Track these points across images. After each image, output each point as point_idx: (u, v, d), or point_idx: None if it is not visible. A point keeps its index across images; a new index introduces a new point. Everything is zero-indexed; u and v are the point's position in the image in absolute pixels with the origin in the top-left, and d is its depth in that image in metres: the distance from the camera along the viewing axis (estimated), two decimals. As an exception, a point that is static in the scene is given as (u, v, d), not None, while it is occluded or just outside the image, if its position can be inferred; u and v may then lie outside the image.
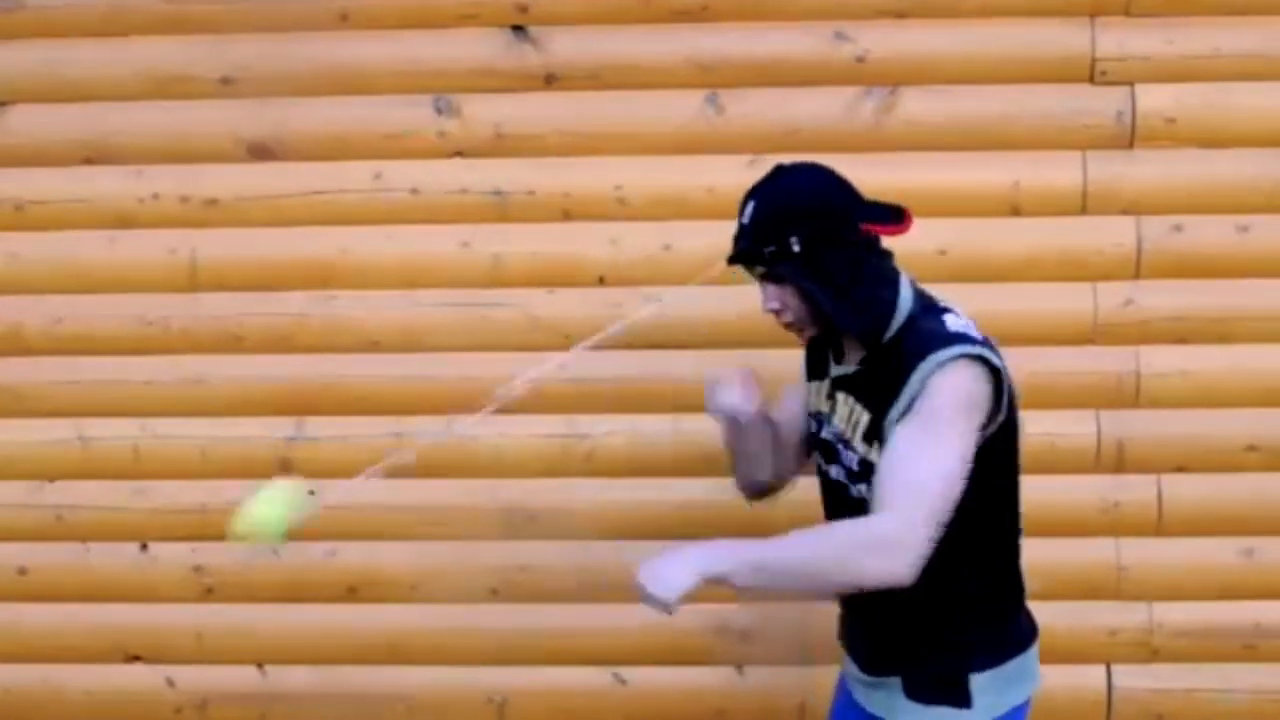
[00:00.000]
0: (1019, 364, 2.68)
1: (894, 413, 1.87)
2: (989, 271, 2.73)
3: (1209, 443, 2.74)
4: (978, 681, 1.94)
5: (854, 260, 1.92)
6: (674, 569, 1.81)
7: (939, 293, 2.06)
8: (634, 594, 2.78)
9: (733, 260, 1.99)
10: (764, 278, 1.97)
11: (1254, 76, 2.68)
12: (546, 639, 2.84)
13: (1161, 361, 2.73)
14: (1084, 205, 2.72)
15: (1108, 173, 2.71)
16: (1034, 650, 2.03)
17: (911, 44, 2.71)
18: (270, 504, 1.98)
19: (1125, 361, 2.73)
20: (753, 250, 1.94)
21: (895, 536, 1.78)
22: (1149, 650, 2.77)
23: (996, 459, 1.93)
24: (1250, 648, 2.76)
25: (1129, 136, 2.70)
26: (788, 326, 2.01)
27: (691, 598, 1.80)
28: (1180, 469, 2.75)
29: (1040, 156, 2.71)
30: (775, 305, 1.97)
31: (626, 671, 2.84)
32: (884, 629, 2.01)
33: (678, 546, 1.84)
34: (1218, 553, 2.76)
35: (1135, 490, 2.75)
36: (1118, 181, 2.71)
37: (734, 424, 2.12)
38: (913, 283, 2.00)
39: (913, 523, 1.78)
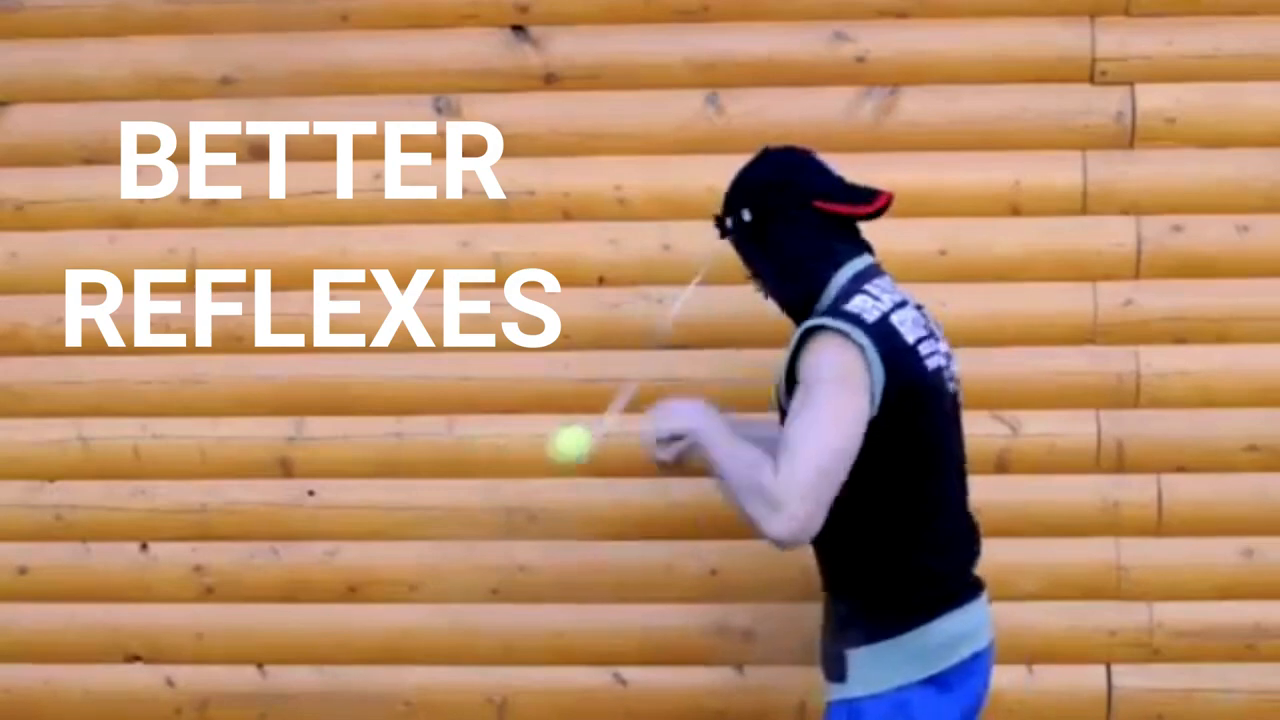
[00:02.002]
0: (1019, 364, 2.72)
1: (785, 380, 2.00)
2: (989, 271, 2.73)
3: (1209, 443, 2.74)
4: (853, 657, 2.01)
5: (797, 235, 2.05)
6: (669, 415, 2.05)
7: (926, 293, 2.08)
8: (634, 594, 2.81)
9: (718, 230, 2.15)
10: (735, 247, 2.14)
11: (1254, 76, 2.68)
12: (546, 639, 2.84)
13: (1161, 361, 2.73)
14: (1084, 205, 2.72)
15: (1108, 173, 2.71)
16: (937, 626, 2.01)
17: (911, 44, 2.71)
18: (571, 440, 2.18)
19: (1125, 361, 2.73)
20: (718, 222, 2.14)
21: (774, 497, 1.86)
22: (1149, 650, 2.77)
23: (881, 443, 1.93)
24: (1250, 648, 2.76)
25: (1129, 136, 2.70)
26: (764, 295, 2.16)
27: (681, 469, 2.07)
28: (1180, 469, 2.75)
29: (1040, 156, 2.71)
30: (748, 272, 2.14)
31: (626, 671, 2.84)
32: (825, 602, 2.12)
33: (685, 399, 2.07)
34: (1218, 553, 2.76)
35: (1135, 490, 2.75)
36: (1118, 181, 2.71)
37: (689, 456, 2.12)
38: (863, 272, 2.05)
39: (788, 485, 1.86)
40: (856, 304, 1.98)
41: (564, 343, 2.78)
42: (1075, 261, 2.72)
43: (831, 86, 2.72)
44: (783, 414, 2.01)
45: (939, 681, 2.00)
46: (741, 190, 2.11)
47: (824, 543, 2.01)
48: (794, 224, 2.05)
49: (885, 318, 1.97)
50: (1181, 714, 2.78)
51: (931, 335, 2.06)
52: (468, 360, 2.80)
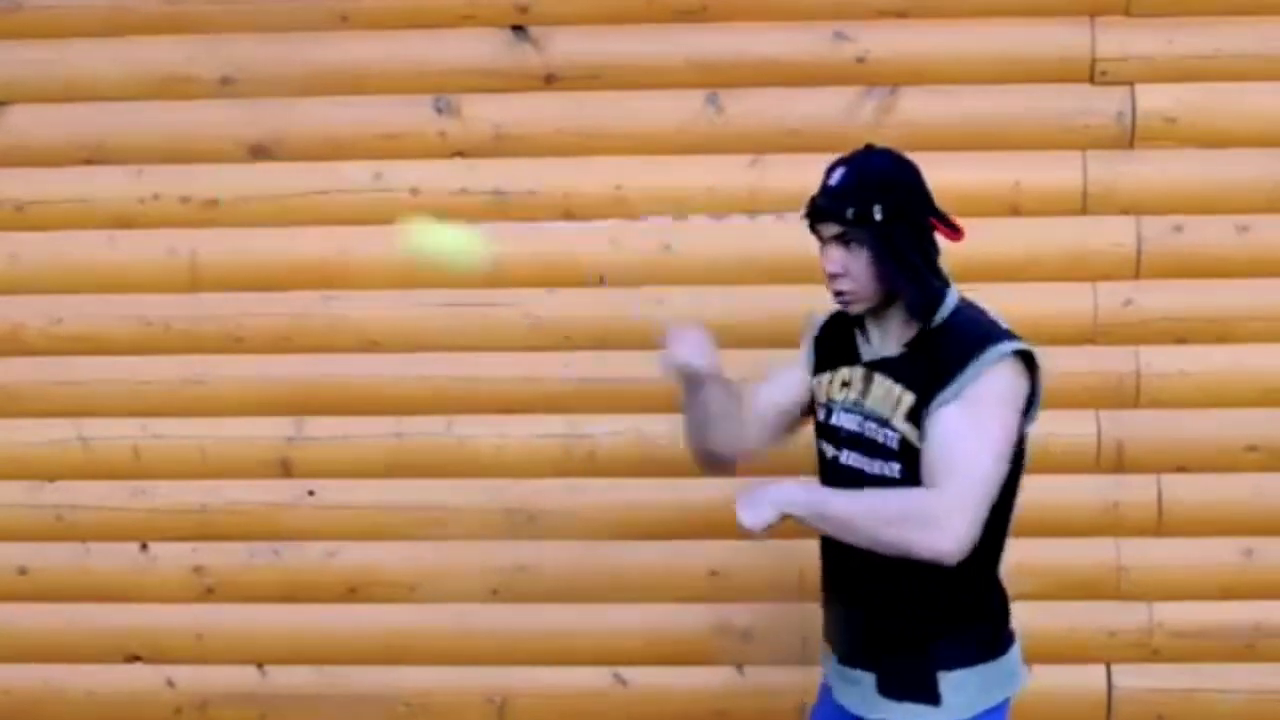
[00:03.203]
0: (1019, 364, 2.71)
1: (943, 395, 1.92)
2: (989, 271, 2.71)
3: (1209, 443, 2.74)
4: (947, 680, 1.97)
5: (922, 242, 2.01)
6: (759, 504, 1.94)
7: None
8: (634, 594, 2.81)
9: (812, 215, 2.03)
10: (835, 239, 2.00)
11: (1254, 76, 2.68)
12: (546, 639, 2.84)
13: (1161, 362, 2.73)
14: (1084, 205, 2.72)
15: (1108, 173, 2.71)
16: (1013, 654, 2.04)
17: (911, 44, 2.71)
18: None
19: (1125, 361, 2.73)
20: (835, 210, 1.99)
21: (943, 513, 1.85)
22: (1149, 650, 2.77)
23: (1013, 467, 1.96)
24: (1250, 648, 2.76)
25: (1129, 136, 2.70)
26: (839, 295, 2.04)
27: (773, 531, 1.95)
28: (1180, 469, 2.75)
29: (1040, 156, 2.72)
30: (837, 269, 2.00)
31: (626, 671, 2.84)
32: (862, 622, 2.05)
33: (766, 483, 1.97)
34: (1218, 553, 2.76)
35: (1135, 490, 2.75)
36: (1118, 181, 2.71)
37: (688, 382, 2.13)
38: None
39: (960, 502, 1.85)
40: (1002, 323, 1.99)
41: (564, 343, 2.78)
42: (1075, 261, 2.72)
43: (831, 86, 2.72)
44: (917, 418, 1.94)
45: (1003, 709, 2.01)
46: (872, 186, 1.98)
47: (921, 566, 1.90)
48: (920, 231, 2.00)
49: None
50: (1181, 714, 2.78)
51: None
52: (468, 360, 2.80)
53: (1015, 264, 2.73)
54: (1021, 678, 2.05)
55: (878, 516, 1.90)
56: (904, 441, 1.95)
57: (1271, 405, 2.73)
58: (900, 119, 2.71)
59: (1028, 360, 1.95)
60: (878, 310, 2.03)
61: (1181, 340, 2.73)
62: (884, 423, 1.98)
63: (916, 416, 1.94)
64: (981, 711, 1.98)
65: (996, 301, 2.68)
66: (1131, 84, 2.70)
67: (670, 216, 2.70)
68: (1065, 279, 2.73)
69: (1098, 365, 2.74)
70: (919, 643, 1.99)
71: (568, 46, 2.74)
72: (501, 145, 2.77)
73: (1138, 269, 2.72)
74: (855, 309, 2.04)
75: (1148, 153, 2.71)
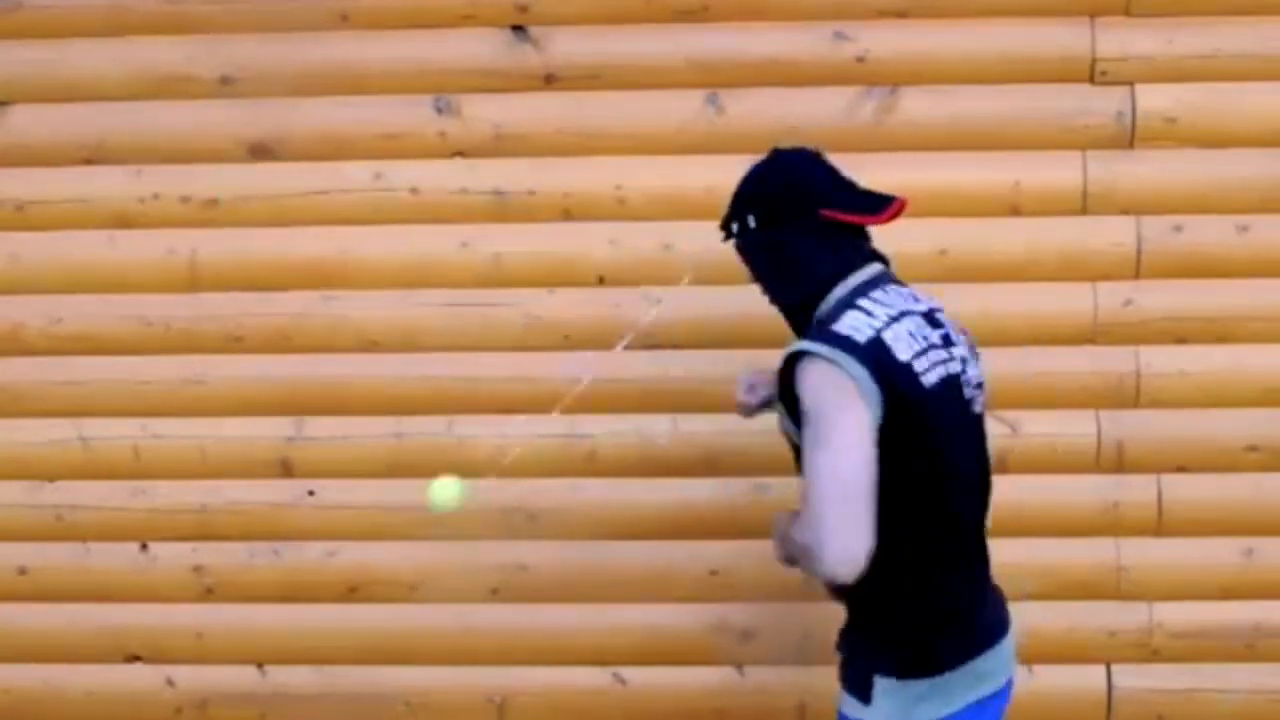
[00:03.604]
0: (1019, 364, 2.72)
1: (775, 395, 2.01)
2: (989, 271, 2.73)
3: (1209, 443, 2.74)
4: (881, 684, 1.97)
5: (802, 243, 2.00)
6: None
7: (929, 293, 2.05)
8: (634, 594, 2.81)
9: (721, 228, 2.10)
10: (739, 251, 2.09)
11: (1254, 76, 2.68)
12: (546, 639, 2.84)
13: (1161, 362, 2.73)
14: (1084, 205, 2.72)
15: (1108, 173, 2.71)
16: (968, 669, 1.98)
17: (911, 44, 2.71)
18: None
19: (1125, 361, 2.73)
20: (723, 224, 2.09)
21: (812, 541, 1.85)
22: (1149, 650, 2.77)
23: (886, 467, 1.88)
24: (1250, 648, 2.76)
25: (1129, 136, 2.70)
26: (771, 300, 2.11)
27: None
28: (1180, 469, 2.75)
29: (1040, 156, 2.71)
30: (752, 277, 2.10)
31: (626, 671, 2.84)
32: (845, 610, 2.10)
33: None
34: (1218, 553, 2.76)
35: (1135, 490, 2.75)
36: (1118, 181, 2.71)
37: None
38: (865, 283, 1.99)
39: (816, 524, 1.84)
40: (848, 321, 1.92)
41: (564, 343, 2.78)
42: (1075, 261, 2.72)
43: (831, 86, 2.72)
44: (790, 434, 2.00)
45: (963, 713, 1.98)
46: (747, 195, 2.05)
47: None
48: (799, 232, 1.99)
49: (877, 336, 1.91)
50: (1181, 714, 2.78)
51: (935, 346, 1.98)
52: (468, 360, 2.80)
53: (1015, 264, 2.73)
54: (975, 692, 1.99)
55: (789, 550, 1.98)
56: (791, 444, 2.02)
57: (1271, 405, 2.73)
58: (900, 119, 2.71)
59: (827, 361, 1.88)
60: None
61: (1181, 340, 2.73)
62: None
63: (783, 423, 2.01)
64: None
65: (997, 302, 2.71)
66: (1131, 84, 2.70)
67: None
68: (1065, 279, 2.73)
69: (1098, 365, 2.74)
70: (860, 641, 2.03)
71: (568, 46, 2.74)
72: (501, 145, 2.77)
73: (1138, 269, 2.72)
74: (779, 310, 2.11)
75: (1148, 153, 2.71)
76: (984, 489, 2.09)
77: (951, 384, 1.99)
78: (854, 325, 1.92)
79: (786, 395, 1.95)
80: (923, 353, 1.94)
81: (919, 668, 1.97)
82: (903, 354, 1.92)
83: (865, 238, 2.06)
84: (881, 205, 2.01)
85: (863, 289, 1.99)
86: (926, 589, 1.98)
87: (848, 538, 1.83)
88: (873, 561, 1.87)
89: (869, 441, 1.87)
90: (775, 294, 2.08)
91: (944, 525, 1.99)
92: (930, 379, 1.94)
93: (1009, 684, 2.07)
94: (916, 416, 1.91)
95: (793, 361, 1.92)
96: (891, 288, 2.01)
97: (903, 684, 1.96)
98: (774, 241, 2.02)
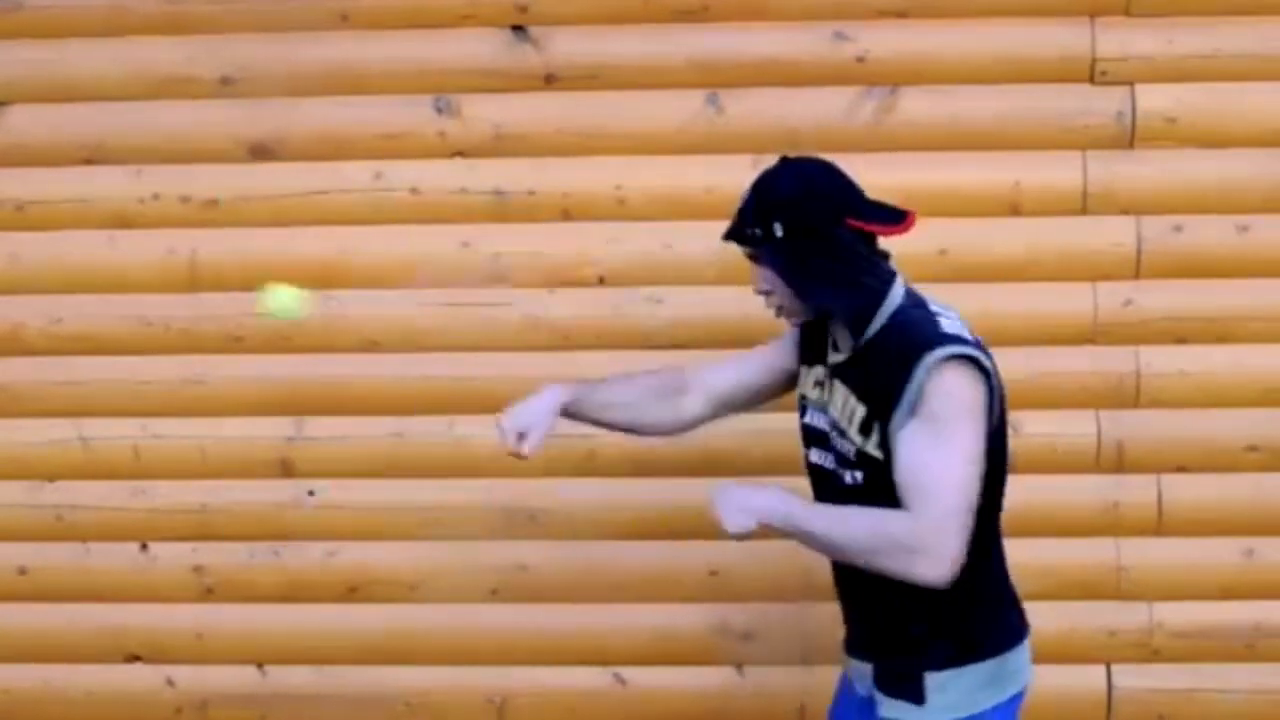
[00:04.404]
0: (1019, 364, 2.70)
1: (898, 416, 1.90)
2: (989, 271, 2.73)
3: (1209, 443, 2.74)
4: (932, 680, 1.97)
5: (835, 252, 1.97)
6: (739, 510, 1.94)
7: (936, 296, 2.06)
8: (634, 594, 2.81)
9: (726, 236, 2.05)
10: (752, 259, 2.04)
11: (1254, 76, 2.68)
12: (546, 639, 2.84)
13: (1161, 361, 2.73)
14: (1084, 205, 2.72)
15: (1108, 173, 2.71)
16: (1011, 656, 2.02)
17: (911, 44, 2.71)
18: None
19: (1125, 361, 2.73)
20: (739, 232, 2.02)
21: (926, 542, 1.83)
22: (1149, 650, 2.77)
23: (984, 464, 1.93)
24: (1250, 648, 2.76)
25: (1129, 136, 2.70)
26: (778, 312, 2.07)
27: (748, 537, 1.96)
28: (1180, 469, 2.75)
29: (1040, 156, 2.71)
30: (765, 287, 2.04)
31: (626, 671, 2.84)
32: (863, 615, 2.07)
33: (749, 486, 1.98)
34: (1218, 553, 2.76)
35: (1135, 490, 2.75)
36: (1118, 181, 2.71)
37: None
38: (909, 286, 2.03)
39: (939, 525, 1.83)
40: (947, 325, 1.93)
41: (564, 343, 2.78)
42: (1075, 261, 2.72)
43: (831, 86, 2.72)
44: (869, 430, 1.94)
45: (1005, 709, 2.00)
46: (772, 204, 1.99)
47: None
48: (830, 242, 1.96)
49: (970, 332, 1.96)
50: (1181, 714, 2.78)
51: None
52: (468, 360, 2.80)
53: (1015, 264, 2.73)
54: (1024, 678, 2.04)
55: (859, 544, 1.89)
56: (860, 453, 1.96)
57: (1271, 405, 2.73)
58: (900, 119, 2.71)
59: (975, 363, 1.90)
60: (822, 318, 2.05)
61: (1181, 340, 2.73)
62: (842, 433, 2.00)
63: (868, 428, 1.94)
64: (974, 713, 1.97)
65: (997, 302, 2.71)
66: (1131, 84, 2.69)
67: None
68: (1065, 279, 2.73)
69: (1098, 365, 2.74)
70: (907, 641, 2.00)
71: (568, 46, 2.74)
72: (501, 145, 2.77)
73: (1138, 269, 2.72)
74: (794, 322, 2.08)
75: (1148, 153, 2.71)
76: None
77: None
78: (954, 326, 1.94)
79: (892, 390, 1.90)
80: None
81: (970, 655, 1.97)
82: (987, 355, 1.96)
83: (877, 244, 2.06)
84: (899, 217, 2.01)
85: (914, 295, 2.01)
86: (980, 572, 1.98)
87: (960, 550, 1.83)
88: None
89: (982, 450, 1.89)
90: (824, 299, 2.00)
91: (996, 513, 2.03)
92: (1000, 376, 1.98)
93: (1026, 688, 2.08)
94: (1004, 413, 1.98)
95: (931, 365, 1.88)
96: (922, 293, 2.05)
97: (959, 673, 1.96)
98: (803, 251, 1.97)
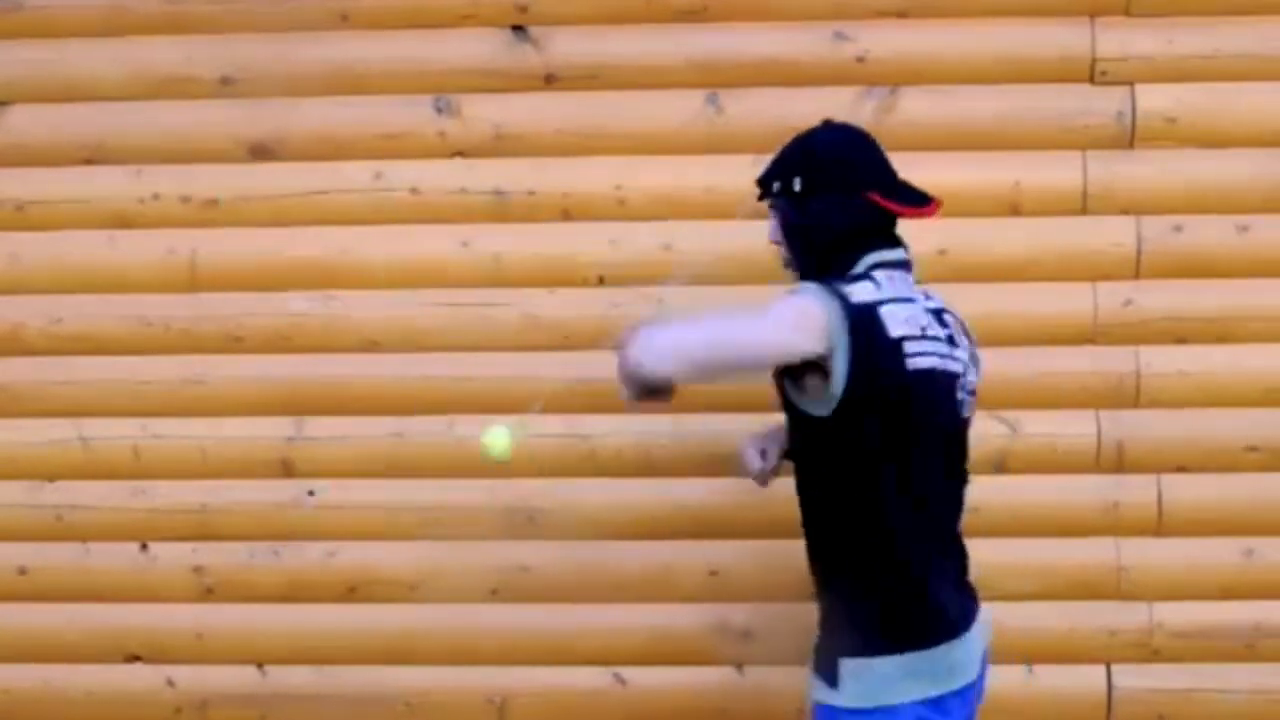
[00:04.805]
0: (1019, 364, 2.72)
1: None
2: (989, 271, 2.73)
3: (1209, 443, 2.74)
4: (846, 666, 1.98)
5: (842, 220, 2.03)
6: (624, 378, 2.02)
7: (935, 290, 2.06)
8: (634, 594, 2.81)
9: (758, 181, 2.13)
10: (771, 209, 2.11)
11: (1254, 76, 2.69)
12: (546, 639, 2.84)
13: (1161, 361, 2.73)
14: (1084, 205, 2.72)
15: (1108, 173, 2.71)
16: (940, 652, 1.98)
17: (911, 44, 2.71)
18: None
19: (1125, 361, 2.73)
20: (763, 182, 2.11)
21: (652, 335, 1.93)
22: (1149, 650, 2.77)
23: (855, 427, 1.93)
24: (1250, 648, 2.76)
25: (1129, 136, 2.70)
26: (785, 264, 2.13)
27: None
28: (1180, 469, 2.75)
29: (1040, 156, 2.72)
30: (772, 237, 2.11)
31: (626, 671, 2.84)
32: (818, 597, 2.10)
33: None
34: (1218, 553, 2.76)
35: (1135, 490, 2.75)
36: (1118, 181, 2.71)
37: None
38: (893, 263, 2.04)
39: (669, 330, 1.93)
40: (854, 288, 1.96)
41: (564, 343, 2.78)
42: (1075, 261, 2.72)
43: (831, 86, 2.72)
44: (785, 406, 2.03)
45: (938, 705, 1.97)
46: (799, 158, 2.07)
47: (822, 540, 2.04)
48: (840, 206, 2.03)
49: (873, 305, 1.95)
50: (1181, 714, 2.78)
51: (935, 339, 2.00)
52: (468, 360, 2.80)
53: (1015, 264, 2.73)
54: (961, 678, 1.99)
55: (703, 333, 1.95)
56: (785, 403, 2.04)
57: (1271, 405, 2.73)
58: (900, 119, 2.71)
59: (827, 296, 1.92)
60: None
61: (1181, 340, 2.73)
62: None
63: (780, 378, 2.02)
64: (894, 705, 1.95)
65: (997, 302, 2.71)
66: (1131, 84, 2.70)
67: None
68: (1065, 279, 2.73)
69: (1098, 365, 2.74)
70: (830, 625, 2.04)
71: (568, 46, 2.74)
72: (501, 145, 2.77)
73: (1138, 269, 2.72)
74: (790, 277, 2.12)
75: (1148, 153, 2.71)
76: (958, 488, 2.10)
77: (944, 379, 2.01)
78: (856, 290, 1.96)
79: None
80: (917, 338, 1.97)
81: (882, 646, 1.97)
82: (894, 330, 1.95)
83: (893, 224, 2.09)
84: (923, 200, 2.06)
85: (879, 266, 2.03)
86: (890, 565, 1.98)
87: (686, 351, 1.92)
88: (838, 533, 1.98)
89: (776, 358, 1.94)
90: (800, 262, 2.08)
91: (911, 505, 1.99)
92: (919, 363, 1.96)
93: (977, 689, 2.05)
94: (894, 391, 1.94)
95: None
96: (902, 274, 2.06)
97: (868, 663, 1.96)
98: (813, 209, 2.03)
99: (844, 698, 1.98)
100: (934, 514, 2.04)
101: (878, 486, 1.96)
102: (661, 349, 1.93)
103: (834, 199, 2.02)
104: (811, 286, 1.95)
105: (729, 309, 1.98)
